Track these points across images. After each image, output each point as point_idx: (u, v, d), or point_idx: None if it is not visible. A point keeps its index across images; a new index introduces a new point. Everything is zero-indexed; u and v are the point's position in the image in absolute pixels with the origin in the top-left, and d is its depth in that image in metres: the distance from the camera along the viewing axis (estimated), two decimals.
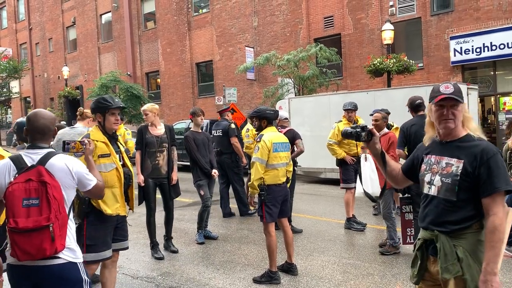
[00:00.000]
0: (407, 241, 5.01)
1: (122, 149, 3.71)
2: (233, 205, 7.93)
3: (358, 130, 2.51)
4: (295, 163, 6.48)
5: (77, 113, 5.14)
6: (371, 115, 5.67)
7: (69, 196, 2.44)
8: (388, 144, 5.40)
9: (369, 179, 5.28)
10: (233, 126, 7.62)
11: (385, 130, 5.60)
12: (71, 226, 2.47)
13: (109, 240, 3.52)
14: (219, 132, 7.69)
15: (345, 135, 2.58)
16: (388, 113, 7.11)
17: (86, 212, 3.41)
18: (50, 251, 2.26)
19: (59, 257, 2.34)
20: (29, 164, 2.37)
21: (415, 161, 2.48)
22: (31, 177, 2.29)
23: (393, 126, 7.00)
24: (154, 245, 5.55)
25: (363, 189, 5.26)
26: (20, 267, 2.34)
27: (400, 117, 6.79)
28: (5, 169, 2.38)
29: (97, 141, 3.47)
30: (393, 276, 4.64)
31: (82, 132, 4.78)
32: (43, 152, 2.44)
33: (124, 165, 3.63)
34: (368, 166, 5.34)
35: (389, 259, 5.18)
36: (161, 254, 5.47)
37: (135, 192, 4.06)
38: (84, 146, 2.96)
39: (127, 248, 3.81)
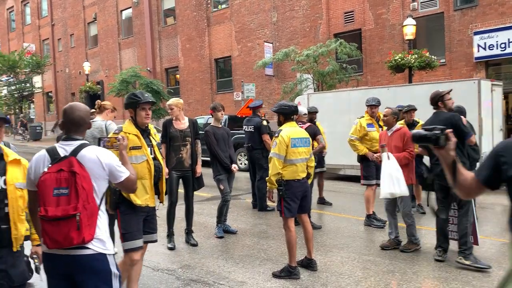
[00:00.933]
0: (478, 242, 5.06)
1: (154, 143, 3.80)
2: (249, 199, 7.96)
3: (437, 133, 2.00)
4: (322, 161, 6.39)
5: (95, 106, 5.12)
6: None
7: (100, 187, 2.48)
8: (404, 140, 5.33)
9: (395, 179, 5.12)
10: (265, 123, 7.60)
11: (397, 126, 5.53)
12: (102, 218, 2.49)
13: (140, 229, 3.62)
14: (250, 128, 7.70)
15: (419, 139, 2.10)
16: (415, 109, 7.01)
17: (117, 202, 3.51)
18: (77, 240, 2.30)
19: (88, 248, 2.38)
20: (62, 155, 2.44)
21: (503, 166, 1.97)
22: (63, 167, 2.36)
23: (418, 122, 6.89)
24: (169, 235, 5.67)
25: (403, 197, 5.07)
26: (51, 255, 2.41)
27: (421, 113, 6.69)
28: (41, 161, 2.48)
29: (129, 133, 3.59)
30: (414, 274, 4.60)
31: (100, 126, 4.78)
32: (76, 143, 2.51)
33: (155, 158, 3.72)
34: (392, 165, 5.19)
35: (409, 256, 5.13)
36: (173, 244, 5.59)
37: None
38: (119, 142, 3.04)
39: (156, 241, 3.87)
